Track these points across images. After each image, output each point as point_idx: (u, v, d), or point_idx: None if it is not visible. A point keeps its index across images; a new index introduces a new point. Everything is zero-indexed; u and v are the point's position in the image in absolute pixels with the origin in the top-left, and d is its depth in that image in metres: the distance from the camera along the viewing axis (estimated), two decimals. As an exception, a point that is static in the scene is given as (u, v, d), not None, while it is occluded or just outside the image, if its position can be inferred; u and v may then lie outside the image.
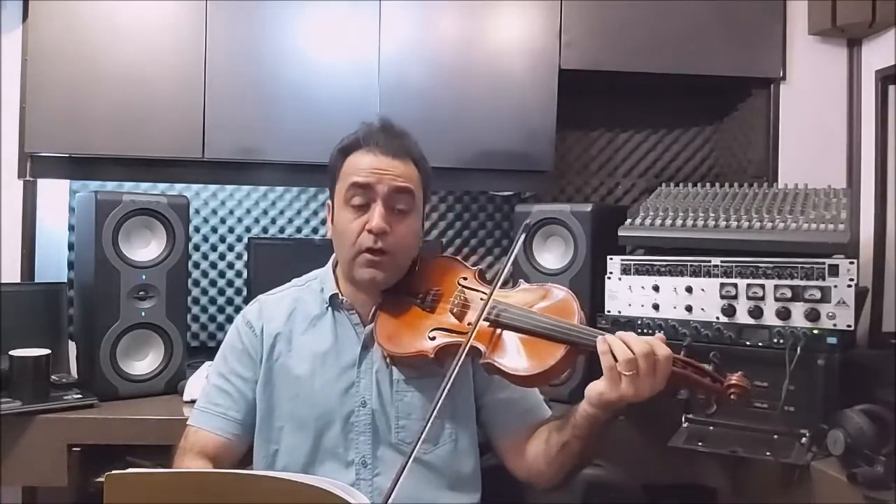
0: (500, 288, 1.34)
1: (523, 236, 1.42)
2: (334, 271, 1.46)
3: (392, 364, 1.37)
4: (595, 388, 1.22)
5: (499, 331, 1.31)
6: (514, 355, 1.28)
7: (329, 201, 1.45)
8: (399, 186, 1.35)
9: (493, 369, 1.28)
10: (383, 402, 1.37)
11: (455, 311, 1.36)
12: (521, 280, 1.43)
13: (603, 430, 1.26)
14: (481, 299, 1.35)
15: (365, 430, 1.36)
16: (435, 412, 1.18)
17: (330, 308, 1.42)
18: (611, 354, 1.19)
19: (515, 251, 1.39)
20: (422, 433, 1.17)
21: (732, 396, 1.21)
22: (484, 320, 1.30)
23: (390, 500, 1.09)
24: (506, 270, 1.37)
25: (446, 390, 1.19)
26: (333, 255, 1.48)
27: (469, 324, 1.32)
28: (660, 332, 1.77)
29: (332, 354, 1.39)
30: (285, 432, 1.38)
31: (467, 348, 1.26)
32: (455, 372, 1.22)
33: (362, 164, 1.36)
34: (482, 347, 1.29)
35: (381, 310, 1.39)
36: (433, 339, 1.33)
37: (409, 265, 1.42)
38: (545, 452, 1.35)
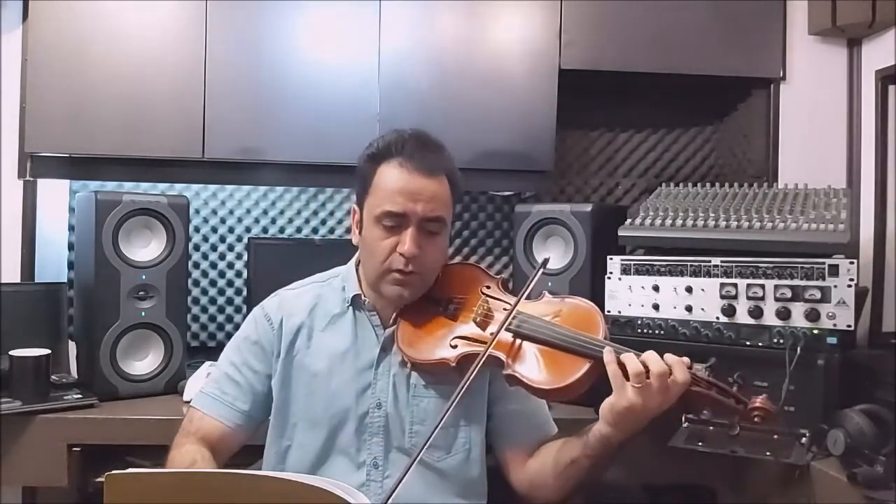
0: (524, 299, 1.33)
1: (540, 272, 1.39)
2: (357, 271, 1.45)
3: (412, 369, 1.36)
4: (606, 401, 1.21)
5: (521, 342, 1.29)
6: (537, 368, 1.27)
7: (355, 206, 1.42)
8: (431, 217, 1.33)
9: (515, 381, 1.27)
10: (399, 406, 1.37)
11: (478, 320, 1.35)
12: (544, 291, 1.40)
13: (615, 452, 1.26)
14: (504, 309, 1.34)
15: (378, 431, 1.36)
16: (444, 422, 1.16)
17: (351, 307, 1.42)
18: (617, 364, 1.18)
19: (534, 281, 1.35)
20: (426, 442, 1.16)
21: (756, 419, 1.20)
22: (506, 331, 1.29)
23: (391, 500, 1.08)
24: (530, 282, 1.34)
25: (467, 401, 1.17)
26: (357, 254, 1.46)
27: (492, 334, 1.31)
28: (660, 331, 1.77)
29: (351, 354, 1.39)
30: (299, 429, 1.38)
31: (485, 358, 1.25)
32: (468, 382, 1.20)
33: (395, 185, 1.32)
34: (504, 358, 1.28)
35: (403, 315, 1.38)
36: (455, 347, 1.32)
37: (434, 280, 1.40)
38: (552, 466, 1.34)
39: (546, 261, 1.40)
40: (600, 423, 1.23)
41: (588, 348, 1.24)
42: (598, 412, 1.67)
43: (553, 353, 1.27)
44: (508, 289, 1.42)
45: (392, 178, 1.33)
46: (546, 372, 1.26)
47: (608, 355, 1.20)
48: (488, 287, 1.41)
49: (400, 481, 1.10)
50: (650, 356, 1.20)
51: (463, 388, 1.20)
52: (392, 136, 1.37)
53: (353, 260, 1.47)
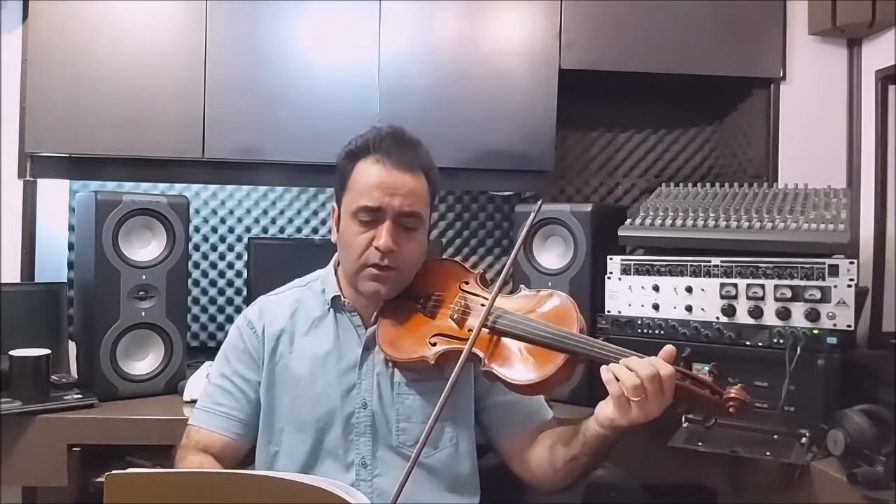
0: (501, 293, 1.33)
1: (522, 236, 1.41)
2: (336, 272, 1.45)
3: (394, 367, 1.37)
4: (605, 413, 1.20)
5: (498, 338, 1.30)
6: (513, 363, 1.27)
7: (334, 204, 1.43)
8: (407, 211, 1.33)
9: (493, 377, 1.28)
10: (384, 405, 1.37)
11: (455, 317, 1.36)
12: (521, 286, 1.42)
13: (613, 446, 1.26)
14: (482, 305, 1.34)
15: (365, 431, 1.36)
16: (436, 421, 1.16)
17: (331, 309, 1.42)
18: (616, 382, 1.17)
19: (514, 254, 1.37)
20: (422, 445, 1.15)
21: (731, 409, 1.19)
22: (483, 327, 1.29)
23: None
24: (504, 275, 1.36)
25: (451, 397, 1.18)
26: (335, 255, 1.47)
27: (469, 330, 1.31)
28: (660, 331, 1.77)
29: (334, 356, 1.39)
30: (286, 434, 1.38)
31: (467, 356, 1.25)
32: (455, 380, 1.21)
33: (371, 179, 1.33)
34: (482, 354, 1.28)
35: (383, 313, 1.39)
36: (434, 345, 1.32)
37: (412, 277, 1.41)
38: (550, 461, 1.34)
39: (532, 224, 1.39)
40: (598, 427, 1.23)
41: (563, 342, 1.24)
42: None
43: (529, 349, 1.27)
44: (487, 283, 1.42)
45: (369, 173, 1.34)
46: (522, 367, 1.26)
47: (606, 374, 1.19)
48: (466, 283, 1.41)
49: (402, 487, 1.09)
50: (632, 360, 1.18)
51: (450, 390, 1.19)
52: (370, 134, 1.39)
53: (332, 262, 1.48)
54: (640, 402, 1.15)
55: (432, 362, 1.31)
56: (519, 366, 1.27)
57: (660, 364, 1.17)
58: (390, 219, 1.32)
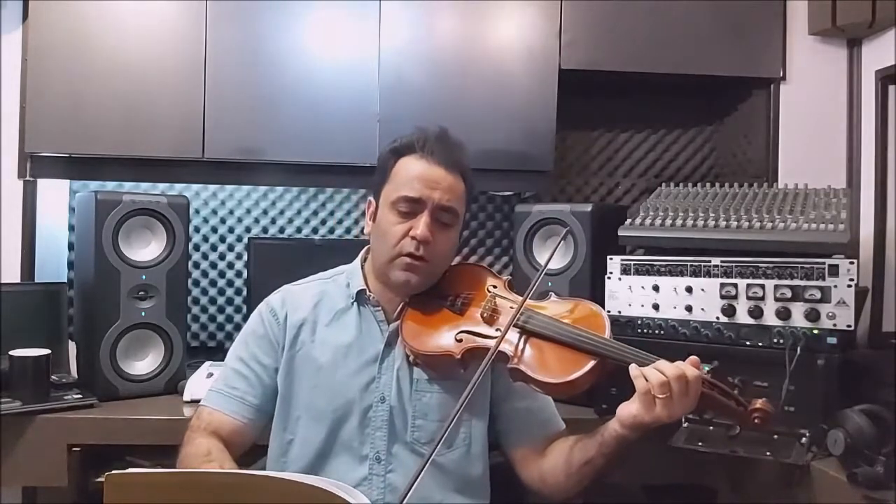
0: (532, 299, 1.35)
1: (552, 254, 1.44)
2: (362, 267, 1.47)
3: (415, 363, 1.38)
4: (628, 410, 1.22)
5: (527, 338, 1.31)
6: (542, 363, 1.28)
7: (371, 198, 1.46)
8: (445, 206, 1.38)
9: (520, 375, 1.29)
10: (402, 400, 1.38)
11: (485, 315, 1.37)
12: (551, 293, 1.44)
13: (630, 448, 1.27)
14: (511, 307, 1.36)
15: (382, 425, 1.37)
16: (456, 417, 1.16)
17: (355, 303, 1.43)
18: (643, 378, 1.20)
19: (546, 262, 1.40)
20: (441, 437, 1.15)
21: (756, 421, 1.22)
22: (514, 327, 1.31)
23: (404, 502, 1.08)
24: (537, 278, 1.39)
25: (470, 396, 1.17)
26: (363, 250, 1.49)
27: (498, 329, 1.33)
28: (660, 331, 1.77)
29: (355, 348, 1.40)
30: (301, 422, 1.38)
31: (496, 353, 1.25)
32: (481, 376, 1.21)
33: (413, 172, 1.38)
34: (510, 352, 1.29)
35: (410, 308, 1.40)
36: (460, 340, 1.34)
37: (440, 274, 1.43)
38: (565, 466, 1.35)
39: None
40: (619, 426, 1.24)
41: (594, 346, 1.26)
42: (598, 413, 1.68)
43: (558, 350, 1.28)
44: (514, 289, 1.44)
45: (412, 167, 1.39)
46: (551, 367, 1.27)
47: (634, 370, 1.22)
48: (495, 286, 1.43)
49: (413, 484, 1.09)
50: (663, 363, 1.21)
51: (474, 385, 1.19)
52: (416, 133, 1.43)
53: (359, 257, 1.50)
54: (665, 400, 1.18)
55: (458, 357, 1.32)
56: (547, 366, 1.28)
57: (687, 368, 1.20)
58: (428, 211, 1.36)
